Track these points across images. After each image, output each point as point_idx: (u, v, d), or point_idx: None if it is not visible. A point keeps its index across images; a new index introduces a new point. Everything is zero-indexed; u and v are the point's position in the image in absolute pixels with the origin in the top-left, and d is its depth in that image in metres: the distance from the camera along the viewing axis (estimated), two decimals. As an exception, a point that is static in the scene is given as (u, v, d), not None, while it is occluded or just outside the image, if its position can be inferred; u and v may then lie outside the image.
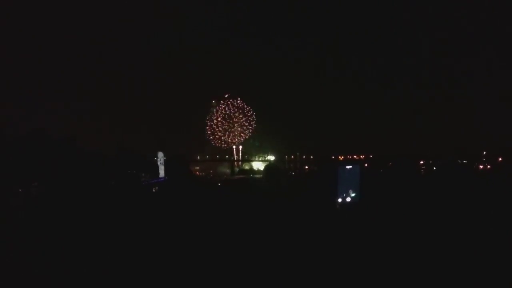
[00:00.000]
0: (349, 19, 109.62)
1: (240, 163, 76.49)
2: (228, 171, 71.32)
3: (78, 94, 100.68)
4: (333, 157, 65.17)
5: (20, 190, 31.74)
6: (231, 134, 77.09)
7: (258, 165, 74.60)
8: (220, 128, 76.86)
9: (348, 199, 5.62)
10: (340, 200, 5.60)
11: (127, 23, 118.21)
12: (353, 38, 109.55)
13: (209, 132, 76.09)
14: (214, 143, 76.50)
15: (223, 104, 77.29)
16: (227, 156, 76.71)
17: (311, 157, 70.68)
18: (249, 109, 77.65)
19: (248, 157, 76.91)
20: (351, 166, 5.60)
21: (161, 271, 5.48)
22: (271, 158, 73.18)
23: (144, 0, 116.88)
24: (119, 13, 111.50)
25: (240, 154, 77.86)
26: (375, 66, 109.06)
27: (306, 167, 66.66)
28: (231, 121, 77.20)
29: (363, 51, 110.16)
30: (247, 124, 77.83)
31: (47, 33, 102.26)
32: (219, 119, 77.14)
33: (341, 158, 62.90)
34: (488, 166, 57.18)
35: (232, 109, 77.43)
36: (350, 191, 5.63)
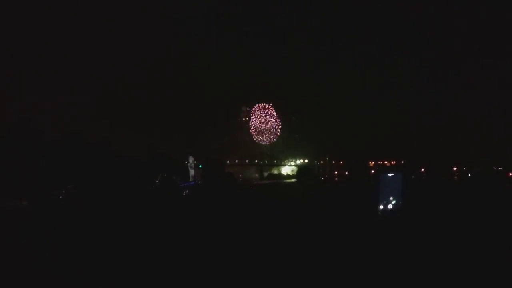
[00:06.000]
0: (379, 28, 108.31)
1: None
2: (256, 175, 71.30)
3: (111, 99, 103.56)
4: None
5: (54, 192, 32.74)
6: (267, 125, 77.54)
7: (286, 170, 74.30)
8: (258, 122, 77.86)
9: (390, 206, 5.53)
10: (381, 207, 5.50)
11: (158, 29, 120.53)
12: (386, 43, 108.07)
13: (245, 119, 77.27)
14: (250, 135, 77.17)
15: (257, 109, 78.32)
16: (256, 161, 76.73)
17: (341, 162, 69.88)
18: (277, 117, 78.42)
19: (277, 162, 76.73)
20: (393, 174, 5.45)
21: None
22: (300, 162, 72.81)
23: (180, 5, 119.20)
24: (152, 19, 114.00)
25: (269, 159, 77.77)
26: (407, 70, 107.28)
27: (336, 172, 65.95)
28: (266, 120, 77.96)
29: (396, 55, 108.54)
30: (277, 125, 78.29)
31: (80, 39, 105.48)
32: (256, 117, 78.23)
33: (372, 164, 61.95)
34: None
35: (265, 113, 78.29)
36: (391, 198, 5.52)
